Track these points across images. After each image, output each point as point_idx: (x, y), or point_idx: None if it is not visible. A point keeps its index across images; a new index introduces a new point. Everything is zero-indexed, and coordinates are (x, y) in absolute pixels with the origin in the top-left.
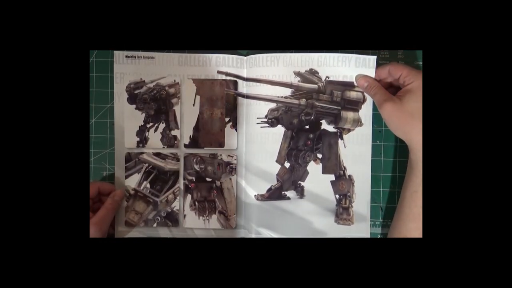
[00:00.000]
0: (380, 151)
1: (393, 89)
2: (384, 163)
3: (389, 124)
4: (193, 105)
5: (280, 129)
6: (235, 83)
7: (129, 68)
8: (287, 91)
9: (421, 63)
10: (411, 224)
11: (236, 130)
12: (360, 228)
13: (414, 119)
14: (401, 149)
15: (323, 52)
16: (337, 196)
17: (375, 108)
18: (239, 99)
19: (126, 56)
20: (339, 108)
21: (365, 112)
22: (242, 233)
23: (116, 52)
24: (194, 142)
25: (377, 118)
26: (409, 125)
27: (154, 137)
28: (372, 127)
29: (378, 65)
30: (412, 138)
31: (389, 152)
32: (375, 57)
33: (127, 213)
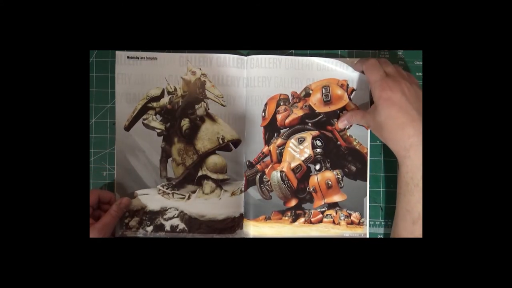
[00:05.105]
0: (380, 151)
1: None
2: (384, 163)
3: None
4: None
5: None
6: None
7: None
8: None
9: (421, 63)
10: (400, 223)
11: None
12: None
13: (384, 131)
14: None
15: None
16: None
17: None
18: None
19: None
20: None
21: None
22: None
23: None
24: None
25: None
26: (383, 137)
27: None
28: None
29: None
30: (390, 147)
31: (389, 152)
32: None
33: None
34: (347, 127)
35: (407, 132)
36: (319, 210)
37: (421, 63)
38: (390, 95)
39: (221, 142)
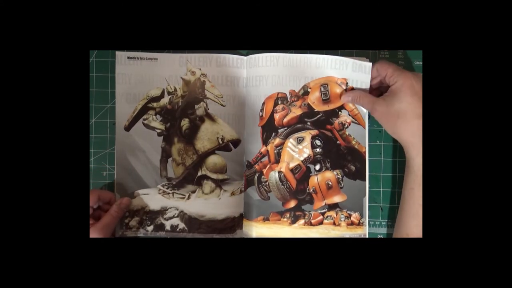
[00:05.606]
0: (379, 151)
1: (384, 88)
2: (384, 163)
3: (383, 126)
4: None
5: None
6: None
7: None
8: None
9: (421, 63)
10: (411, 221)
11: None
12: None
13: (401, 118)
14: (400, 149)
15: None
16: None
17: None
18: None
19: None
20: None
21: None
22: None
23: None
24: None
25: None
26: (396, 126)
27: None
28: (371, 127)
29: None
30: (402, 137)
31: (389, 152)
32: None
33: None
34: (346, 125)
35: (406, 124)
36: (319, 211)
37: (421, 63)
38: (414, 84)
39: (220, 142)
